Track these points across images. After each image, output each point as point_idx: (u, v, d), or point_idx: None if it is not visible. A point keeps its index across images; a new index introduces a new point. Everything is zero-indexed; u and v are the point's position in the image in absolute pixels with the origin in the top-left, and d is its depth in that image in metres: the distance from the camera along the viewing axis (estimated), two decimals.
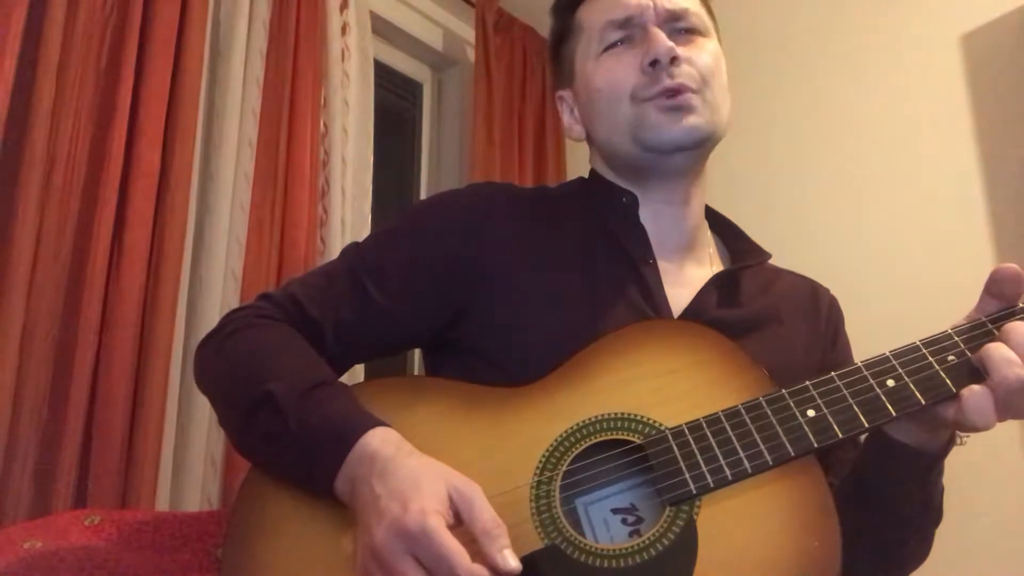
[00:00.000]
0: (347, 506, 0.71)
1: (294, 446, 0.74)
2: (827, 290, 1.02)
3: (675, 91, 0.87)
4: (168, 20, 1.64)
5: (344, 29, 2.05)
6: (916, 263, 1.85)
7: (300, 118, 1.88)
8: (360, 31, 2.09)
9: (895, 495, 0.77)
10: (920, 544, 0.82)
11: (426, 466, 0.68)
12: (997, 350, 0.66)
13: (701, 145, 0.91)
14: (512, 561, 0.61)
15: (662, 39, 0.88)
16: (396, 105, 2.51)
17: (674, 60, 0.88)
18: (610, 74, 0.91)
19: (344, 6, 2.06)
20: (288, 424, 0.73)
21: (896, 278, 1.85)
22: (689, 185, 0.95)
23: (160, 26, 1.62)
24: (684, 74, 0.88)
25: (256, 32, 1.85)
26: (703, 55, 0.91)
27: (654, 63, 0.87)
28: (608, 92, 0.91)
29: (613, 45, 0.92)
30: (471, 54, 2.47)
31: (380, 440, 0.71)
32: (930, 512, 0.80)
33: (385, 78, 2.37)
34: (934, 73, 1.93)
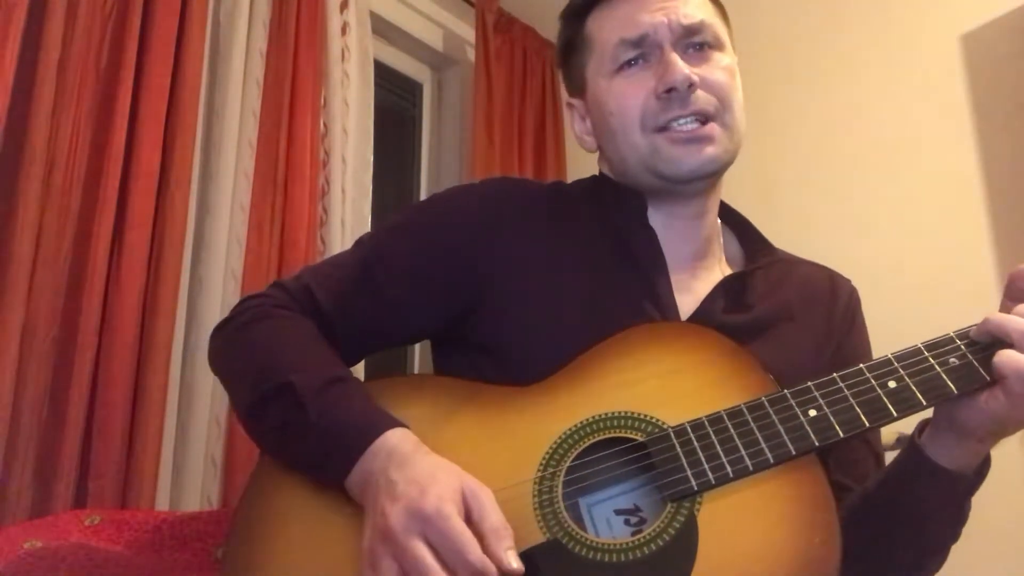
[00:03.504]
0: (354, 498, 0.72)
1: (312, 436, 0.74)
2: (847, 281, 1.00)
3: (692, 120, 0.86)
4: (168, 20, 1.64)
5: (344, 29, 2.05)
6: (916, 263, 1.85)
7: (300, 118, 1.89)
8: (360, 31, 2.09)
9: (932, 518, 0.78)
10: (942, 558, 0.82)
11: (443, 464, 0.70)
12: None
13: (718, 173, 0.90)
14: (515, 563, 0.62)
15: (679, 66, 0.86)
16: (396, 105, 2.51)
17: (691, 87, 0.86)
18: (623, 99, 0.89)
19: (344, 6, 2.06)
20: (308, 415, 0.74)
21: (896, 278, 1.85)
22: (704, 202, 0.93)
23: (160, 26, 1.63)
24: (700, 100, 0.87)
25: (256, 32, 1.85)
26: (719, 74, 0.89)
27: (670, 91, 0.86)
28: (621, 117, 0.89)
29: (627, 64, 0.90)
30: (471, 54, 2.47)
31: (399, 438, 0.72)
32: (957, 532, 0.80)
33: (385, 78, 2.37)
34: (934, 73, 1.93)
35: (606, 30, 0.93)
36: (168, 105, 1.63)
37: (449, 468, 0.68)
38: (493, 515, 0.64)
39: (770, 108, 2.16)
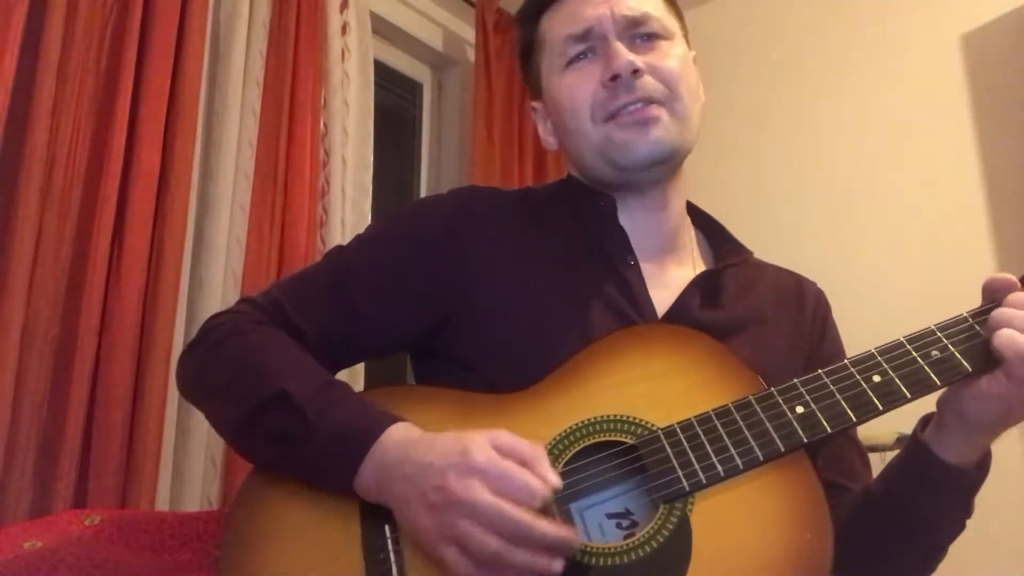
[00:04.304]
0: (366, 497, 0.71)
1: (312, 442, 0.74)
2: (813, 283, 1.01)
3: (638, 103, 0.87)
4: (168, 20, 1.65)
5: (344, 29, 2.05)
6: (916, 262, 1.85)
7: (300, 118, 1.89)
8: (360, 31, 2.10)
9: (939, 516, 0.78)
10: (943, 555, 0.82)
11: (454, 432, 0.70)
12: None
13: (671, 159, 0.90)
14: (556, 478, 0.65)
15: (622, 53, 0.87)
16: (396, 105, 2.51)
17: (636, 72, 0.87)
18: (573, 90, 0.91)
19: (344, 6, 2.06)
20: (306, 421, 0.74)
21: (896, 278, 1.85)
22: (665, 191, 0.94)
23: (160, 26, 1.63)
24: (647, 86, 0.87)
25: (256, 32, 1.85)
26: (667, 61, 0.89)
27: (615, 78, 0.87)
28: (572, 110, 0.91)
29: (575, 59, 0.91)
30: (471, 54, 2.48)
31: (405, 429, 0.73)
32: (961, 529, 0.80)
33: (385, 78, 2.37)
34: (934, 73, 1.93)
35: (555, 28, 0.94)
36: (168, 105, 1.63)
37: (463, 432, 0.70)
38: (521, 446, 0.67)
39: (769, 108, 2.16)
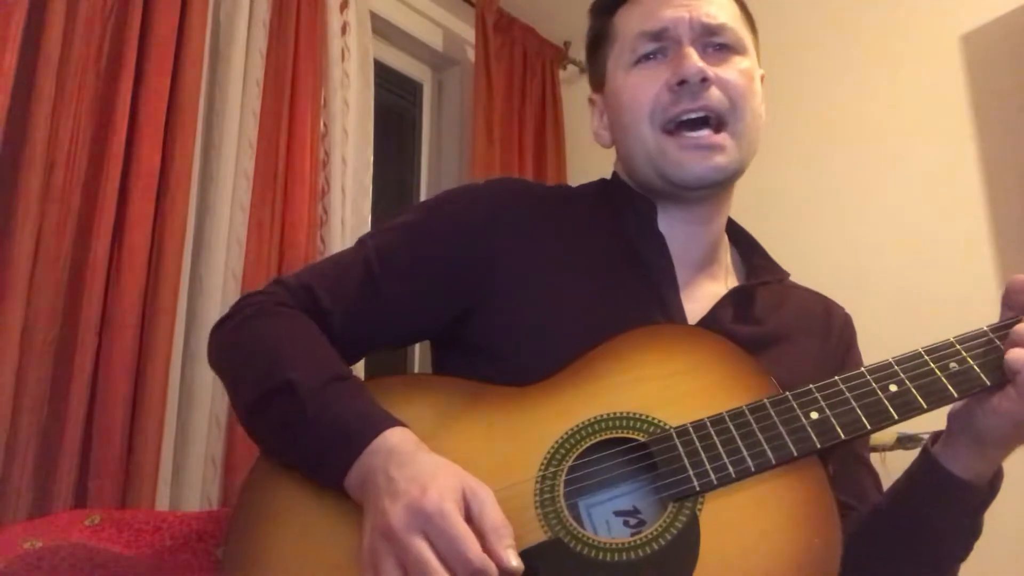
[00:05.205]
0: (354, 497, 0.71)
1: (310, 435, 0.74)
2: (841, 308, 1.00)
3: (700, 118, 0.86)
4: (168, 20, 1.64)
5: (344, 29, 2.05)
6: (916, 264, 1.85)
7: (300, 118, 1.89)
8: (360, 31, 2.10)
9: (946, 532, 0.77)
10: (953, 574, 0.82)
11: (443, 463, 0.69)
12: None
13: (724, 182, 0.90)
14: (515, 560, 0.62)
15: (693, 59, 0.86)
16: (396, 105, 2.51)
17: (704, 81, 0.86)
18: (636, 89, 0.90)
19: (344, 6, 2.06)
20: (307, 413, 0.74)
21: (896, 280, 1.85)
22: (710, 208, 0.93)
23: (160, 26, 1.63)
24: (712, 97, 0.87)
25: (256, 32, 1.85)
26: (735, 75, 0.89)
27: (682, 83, 0.86)
28: (632, 109, 0.90)
29: (644, 58, 0.91)
30: (471, 54, 2.47)
31: (400, 437, 0.72)
32: (970, 547, 0.79)
33: (385, 78, 2.37)
34: (934, 73, 1.93)
35: (630, 22, 0.93)
36: (168, 105, 1.63)
37: (450, 467, 0.68)
38: (493, 513, 0.64)
39: (768, 108, 2.15)
